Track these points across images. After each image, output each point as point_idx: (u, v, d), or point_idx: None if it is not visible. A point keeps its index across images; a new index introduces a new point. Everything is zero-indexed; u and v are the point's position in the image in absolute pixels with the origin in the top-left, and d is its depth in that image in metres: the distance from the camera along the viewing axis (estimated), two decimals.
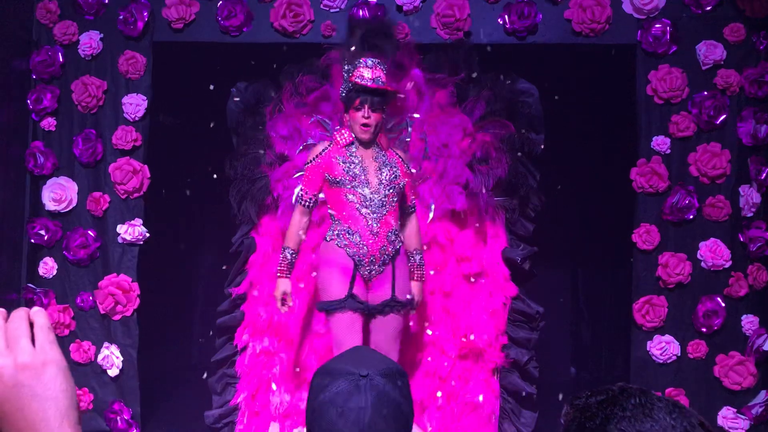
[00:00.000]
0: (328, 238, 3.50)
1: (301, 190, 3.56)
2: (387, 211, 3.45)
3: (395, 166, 3.51)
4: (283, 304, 3.53)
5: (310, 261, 4.02)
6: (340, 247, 3.45)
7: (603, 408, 1.02)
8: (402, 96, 3.91)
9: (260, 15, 4.19)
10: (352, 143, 3.49)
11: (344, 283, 3.42)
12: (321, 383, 1.43)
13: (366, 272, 3.46)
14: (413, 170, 3.76)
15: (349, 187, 3.42)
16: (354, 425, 1.35)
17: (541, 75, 4.15)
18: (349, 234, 3.44)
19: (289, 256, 3.52)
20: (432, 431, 3.94)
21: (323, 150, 3.49)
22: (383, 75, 3.44)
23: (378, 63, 3.44)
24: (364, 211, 3.42)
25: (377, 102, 3.41)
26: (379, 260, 3.45)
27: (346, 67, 3.49)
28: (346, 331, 3.40)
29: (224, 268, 4.24)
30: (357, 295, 3.43)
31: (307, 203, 3.52)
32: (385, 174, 3.46)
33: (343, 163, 3.44)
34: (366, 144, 3.49)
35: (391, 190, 3.46)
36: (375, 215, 3.42)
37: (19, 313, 0.85)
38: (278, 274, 3.54)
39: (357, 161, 3.45)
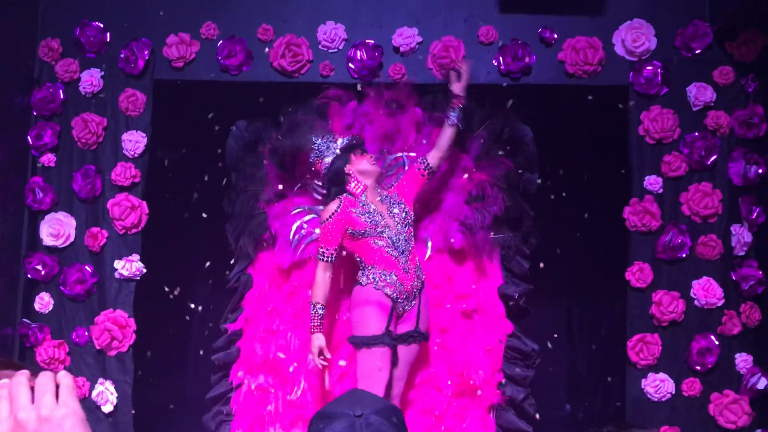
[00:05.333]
0: (363, 283, 3.75)
1: (321, 247, 3.75)
2: (411, 247, 3.77)
3: (402, 202, 3.81)
4: (320, 355, 3.66)
5: (306, 297, 4.04)
6: (378, 289, 3.71)
7: None
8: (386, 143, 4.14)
9: (260, 54, 4.26)
10: (363, 194, 3.78)
11: (382, 320, 3.68)
12: (317, 428, 1.47)
13: (401, 309, 3.75)
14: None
15: (375, 234, 3.69)
16: None
17: (535, 115, 4.22)
18: (385, 276, 3.71)
19: (320, 311, 3.70)
20: None
21: (337, 207, 3.74)
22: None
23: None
24: (394, 253, 3.72)
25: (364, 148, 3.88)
26: (411, 295, 3.76)
27: (318, 145, 3.87)
28: (377, 365, 3.65)
29: (207, 265, 4.32)
30: (392, 331, 3.71)
31: (328, 259, 3.73)
32: (397, 213, 3.77)
33: (362, 215, 3.71)
34: (371, 187, 3.79)
35: (407, 227, 3.78)
36: (404, 255, 3.72)
37: (47, 374, 0.96)
38: (312, 330, 3.69)
39: (372, 209, 3.73)
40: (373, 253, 3.72)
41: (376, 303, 3.70)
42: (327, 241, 3.73)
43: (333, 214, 3.72)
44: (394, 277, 3.70)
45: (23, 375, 0.95)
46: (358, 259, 3.80)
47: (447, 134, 3.87)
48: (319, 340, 3.66)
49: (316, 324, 3.69)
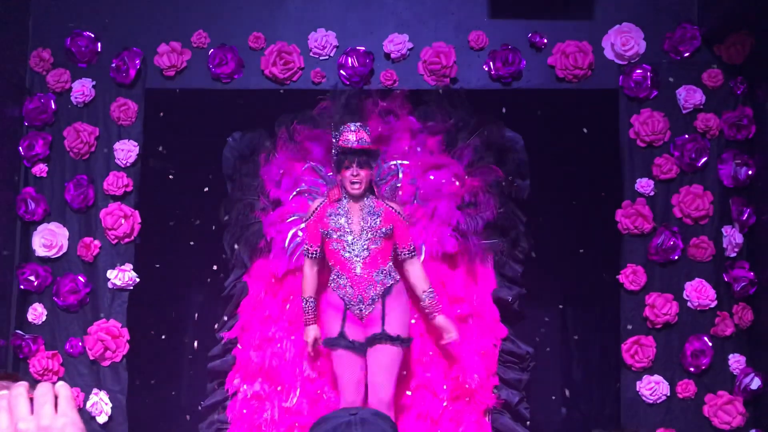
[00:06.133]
0: (328, 284, 3.83)
1: (305, 243, 3.88)
2: (370, 254, 3.75)
3: (379, 215, 3.78)
4: (315, 345, 3.85)
5: (301, 305, 4.06)
6: (333, 290, 3.79)
7: None
8: (381, 150, 4.10)
9: (251, 62, 4.27)
10: (341, 199, 3.80)
11: (337, 322, 3.78)
12: (313, 429, 1.54)
13: (357, 311, 3.77)
14: (406, 219, 3.92)
15: (335, 237, 3.75)
16: None
17: (526, 120, 4.24)
18: (338, 278, 3.79)
19: (311, 304, 3.87)
20: None
21: (317, 207, 3.84)
22: (366, 136, 3.80)
23: (360, 126, 3.82)
24: (347, 255, 3.76)
25: (364, 161, 3.77)
26: (367, 299, 3.76)
27: (333, 134, 3.88)
28: (342, 366, 3.78)
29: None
30: (347, 334, 3.76)
31: (312, 255, 3.86)
32: (368, 221, 3.76)
33: (330, 216, 3.77)
34: (356, 198, 3.79)
35: (372, 235, 3.75)
36: (358, 258, 3.75)
37: (45, 385, 0.97)
38: (306, 323, 3.88)
39: (343, 212, 3.78)
40: (332, 255, 3.79)
41: (331, 304, 3.82)
42: (308, 238, 3.86)
43: (312, 213, 3.84)
44: (345, 279, 3.77)
45: (22, 386, 0.96)
46: (328, 261, 3.85)
47: (414, 283, 3.82)
48: (313, 330, 3.85)
49: (309, 317, 3.86)
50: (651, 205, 4.12)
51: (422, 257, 4.08)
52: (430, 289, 3.82)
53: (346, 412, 1.54)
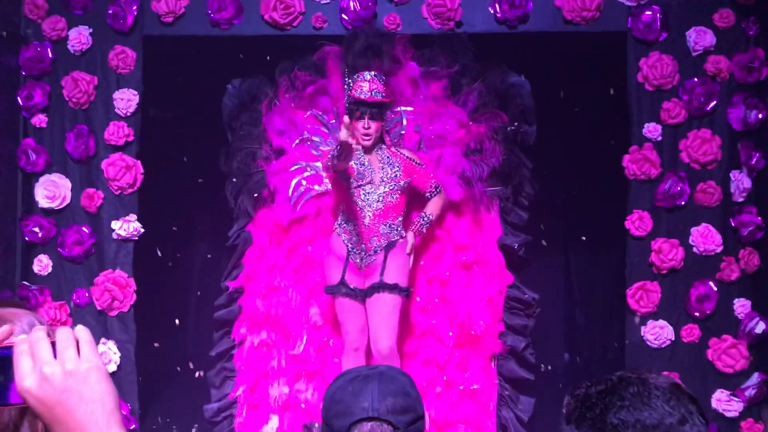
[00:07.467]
0: (334, 227, 3.88)
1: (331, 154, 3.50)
2: (384, 206, 3.76)
3: (397, 165, 3.80)
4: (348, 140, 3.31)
5: (306, 253, 4.07)
6: (339, 234, 3.80)
7: (602, 398, 1.05)
8: (393, 101, 4.01)
9: (250, 7, 4.16)
10: (358, 146, 3.75)
11: (339, 269, 3.77)
12: (333, 382, 1.65)
13: (357, 259, 3.77)
14: (421, 164, 3.92)
15: (356, 185, 3.71)
16: (364, 400, 1.53)
17: (532, 63, 4.16)
18: (346, 223, 3.79)
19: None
20: (431, 419, 3.98)
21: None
22: (381, 86, 3.75)
23: (375, 76, 3.75)
24: (360, 203, 3.74)
25: (376, 113, 3.74)
26: (369, 249, 3.75)
27: (347, 80, 3.82)
28: (344, 313, 3.82)
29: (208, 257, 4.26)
30: (347, 281, 3.77)
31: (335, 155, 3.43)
32: (387, 172, 3.77)
33: (353, 164, 3.68)
34: (368, 149, 3.79)
35: (390, 188, 3.77)
36: (371, 208, 3.74)
37: (66, 329, 0.96)
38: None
39: (366, 162, 3.75)
40: (345, 199, 3.76)
41: (335, 251, 3.81)
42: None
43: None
44: (352, 226, 3.76)
45: (41, 330, 0.95)
46: (339, 205, 3.84)
47: (427, 205, 3.92)
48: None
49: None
50: (658, 151, 4.06)
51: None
52: (429, 216, 3.88)
53: (364, 368, 1.65)
